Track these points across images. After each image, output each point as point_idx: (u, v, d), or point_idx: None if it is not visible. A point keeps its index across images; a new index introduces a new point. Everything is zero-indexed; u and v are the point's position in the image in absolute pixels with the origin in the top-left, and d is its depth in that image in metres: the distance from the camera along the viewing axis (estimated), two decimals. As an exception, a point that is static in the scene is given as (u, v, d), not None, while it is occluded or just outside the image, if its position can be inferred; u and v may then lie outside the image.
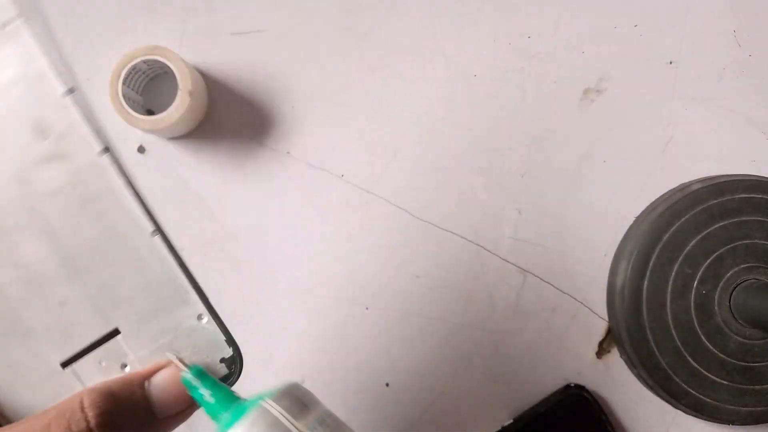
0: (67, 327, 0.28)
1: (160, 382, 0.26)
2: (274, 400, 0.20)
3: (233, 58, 0.48)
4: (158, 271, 0.27)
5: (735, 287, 0.44)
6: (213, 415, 0.22)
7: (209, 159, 0.48)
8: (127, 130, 0.47)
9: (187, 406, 0.26)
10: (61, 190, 0.30)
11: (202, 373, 0.23)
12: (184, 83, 0.44)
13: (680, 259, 0.44)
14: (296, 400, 0.20)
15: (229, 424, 0.21)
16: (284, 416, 0.19)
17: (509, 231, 0.48)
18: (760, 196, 0.44)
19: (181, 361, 0.24)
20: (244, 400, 0.22)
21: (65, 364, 0.27)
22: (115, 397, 0.25)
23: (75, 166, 0.29)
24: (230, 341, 0.25)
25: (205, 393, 0.22)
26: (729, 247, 0.44)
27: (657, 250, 0.44)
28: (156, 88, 0.47)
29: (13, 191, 0.29)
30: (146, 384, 0.26)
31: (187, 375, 0.23)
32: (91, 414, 0.25)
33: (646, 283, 0.44)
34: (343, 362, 0.47)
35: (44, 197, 0.30)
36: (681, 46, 0.49)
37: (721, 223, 0.44)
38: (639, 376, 0.46)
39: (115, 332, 0.27)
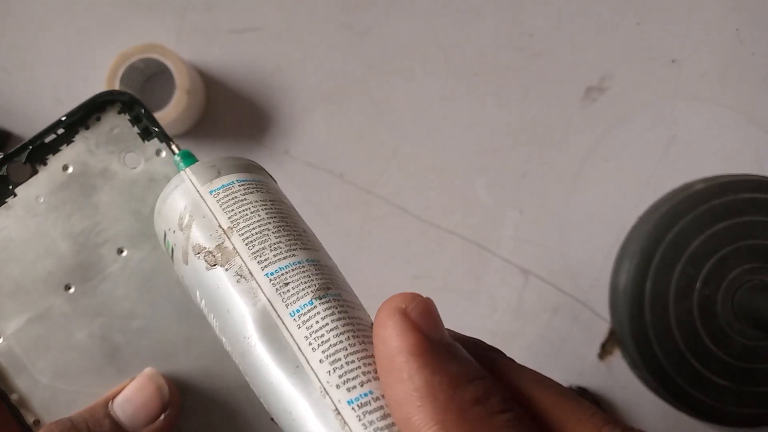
0: None
1: (121, 398, 0.27)
2: (191, 168, 0.23)
3: (231, 56, 0.48)
4: None
5: (738, 288, 0.43)
6: None
7: (207, 158, 0.47)
8: (124, 129, 0.46)
9: (156, 413, 0.26)
10: None
11: (188, 155, 0.25)
12: (182, 81, 0.43)
13: (683, 259, 0.43)
14: (211, 167, 0.23)
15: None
16: (191, 180, 0.23)
17: (510, 231, 0.47)
18: (763, 196, 0.44)
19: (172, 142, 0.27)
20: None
21: None
22: (74, 424, 0.26)
23: None
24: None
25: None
26: (732, 247, 0.43)
27: (659, 251, 0.43)
28: (153, 86, 0.47)
29: None
30: (109, 405, 0.27)
31: (176, 157, 0.25)
32: None
33: (648, 284, 0.43)
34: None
35: None
36: (684, 44, 0.48)
37: (724, 224, 0.43)
38: (641, 378, 0.46)
39: None
